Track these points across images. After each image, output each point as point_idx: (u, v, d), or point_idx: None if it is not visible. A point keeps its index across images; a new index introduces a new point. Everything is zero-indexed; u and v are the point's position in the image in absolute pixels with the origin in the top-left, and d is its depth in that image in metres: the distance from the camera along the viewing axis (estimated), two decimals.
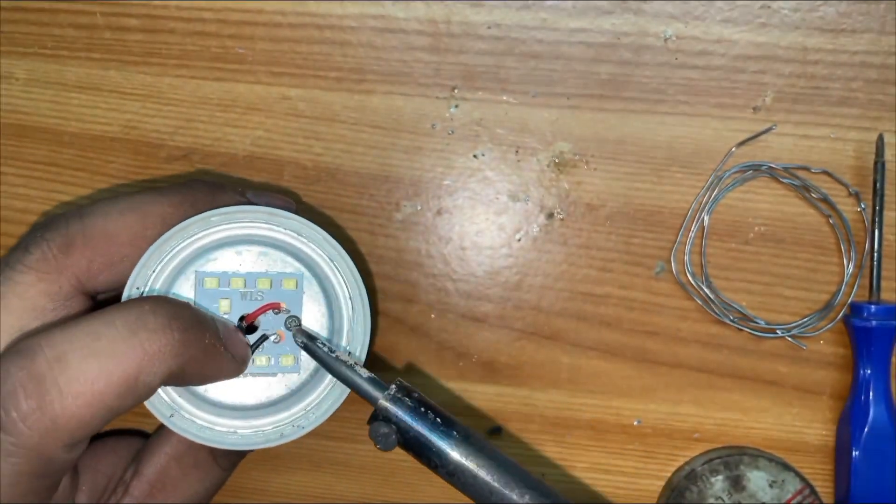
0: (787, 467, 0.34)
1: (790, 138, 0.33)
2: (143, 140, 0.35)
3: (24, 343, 0.24)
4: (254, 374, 0.28)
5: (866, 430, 0.33)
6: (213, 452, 0.30)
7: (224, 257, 0.28)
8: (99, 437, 0.32)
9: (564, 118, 0.34)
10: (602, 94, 0.34)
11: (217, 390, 0.28)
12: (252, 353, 0.28)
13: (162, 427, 0.29)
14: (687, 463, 0.35)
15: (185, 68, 0.35)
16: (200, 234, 0.28)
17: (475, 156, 0.35)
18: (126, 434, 0.33)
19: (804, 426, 0.35)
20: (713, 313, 0.34)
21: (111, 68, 0.35)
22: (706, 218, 0.34)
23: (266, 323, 0.29)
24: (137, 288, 0.27)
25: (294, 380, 0.29)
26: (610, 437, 0.35)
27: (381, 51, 0.34)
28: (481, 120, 0.34)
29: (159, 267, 0.27)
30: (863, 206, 0.33)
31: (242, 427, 0.28)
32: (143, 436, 0.33)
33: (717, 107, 0.33)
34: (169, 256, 0.27)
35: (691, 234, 0.34)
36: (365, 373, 0.27)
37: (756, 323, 0.34)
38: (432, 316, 0.35)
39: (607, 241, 0.35)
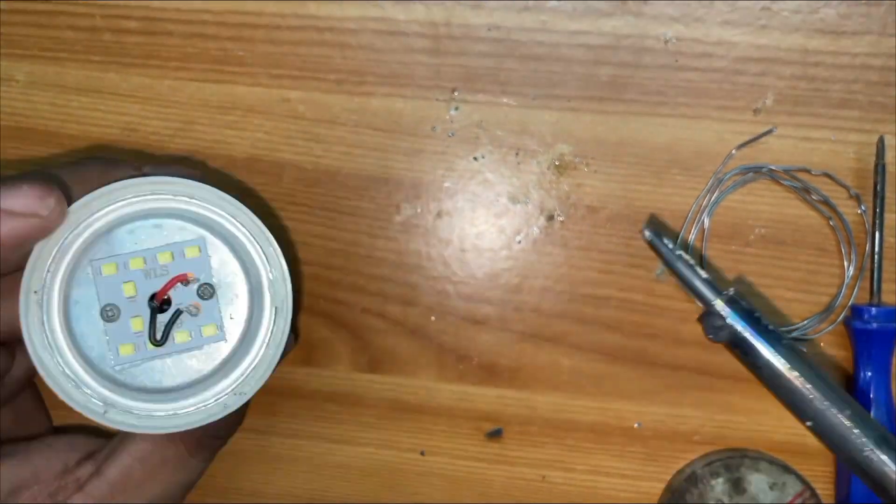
0: (787, 470, 0.34)
1: (791, 140, 0.33)
2: (143, 142, 0.35)
3: None
4: (179, 352, 0.27)
5: None
6: (186, 446, 0.29)
7: (117, 239, 0.27)
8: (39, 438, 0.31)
9: (565, 120, 0.34)
10: (602, 96, 0.34)
11: (147, 375, 0.27)
12: (169, 330, 0.27)
13: None
14: (687, 465, 0.35)
15: (184, 70, 0.35)
16: (87, 221, 0.26)
17: (475, 158, 0.35)
18: (70, 432, 0.32)
19: (805, 428, 0.35)
20: None
21: (111, 70, 0.35)
22: (707, 220, 0.34)
23: (179, 297, 0.27)
24: (35, 292, 0.26)
25: (223, 349, 0.28)
26: (610, 440, 0.35)
27: (381, 53, 0.34)
28: (481, 122, 0.34)
29: (53, 265, 0.26)
30: (863, 208, 0.33)
31: (183, 407, 0.27)
32: (83, 431, 0.32)
33: (717, 109, 0.33)
34: (59, 251, 0.26)
35: (692, 237, 0.34)
36: (703, 274, 0.30)
37: None
38: (432, 318, 0.35)
39: (608, 243, 0.34)
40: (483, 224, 0.35)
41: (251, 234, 0.28)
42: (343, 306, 0.36)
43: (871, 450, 0.29)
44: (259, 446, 0.37)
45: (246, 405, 0.29)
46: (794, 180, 0.33)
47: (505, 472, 0.36)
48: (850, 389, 0.34)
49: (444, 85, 0.34)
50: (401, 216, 0.35)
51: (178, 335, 0.27)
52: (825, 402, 0.29)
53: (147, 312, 0.27)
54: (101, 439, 0.30)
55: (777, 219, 0.34)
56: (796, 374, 0.29)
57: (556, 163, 0.34)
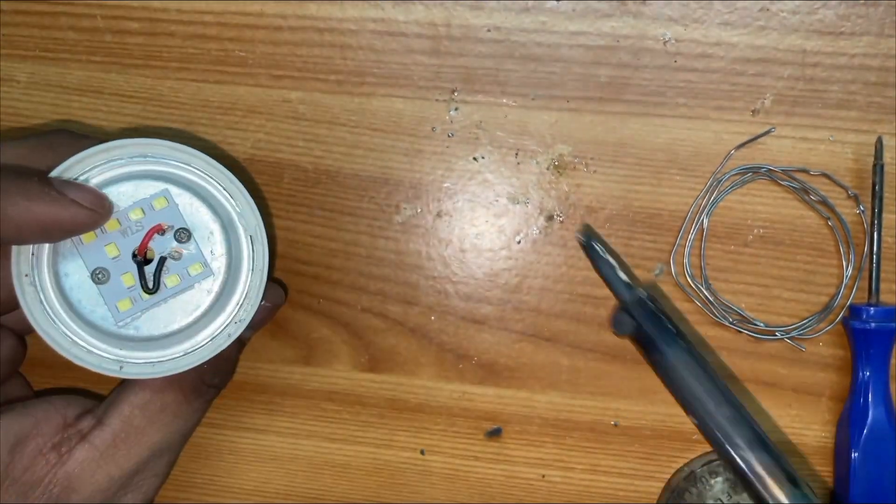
0: None
1: (789, 141, 0.33)
2: None
3: None
4: (173, 295, 0.29)
5: (865, 431, 0.33)
6: (184, 393, 0.30)
7: None
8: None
9: (564, 121, 0.34)
10: (601, 96, 0.34)
11: (150, 324, 0.29)
12: (158, 277, 0.29)
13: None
14: (686, 465, 0.35)
15: (185, 71, 0.35)
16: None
17: (475, 158, 0.35)
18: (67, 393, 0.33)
19: (803, 428, 0.35)
20: (712, 315, 0.34)
21: (112, 71, 0.35)
22: (705, 220, 0.34)
23: (160, 247, 0.29)
24: (26, 275, 0.28)
25: (213, 284, 0.29)
26: (609, 439, 0.36)
27: (381, 54, 0.34)
28: (481, 123, 0.34)
29: (36, 247, 0.28)
30: (862, 208, 0.33)
31: (191, 345, 0.29)
32: (88, 395, 0.33)
33: (716, 109, 0.34)
34: None
35: (690, 237, 0.34)
36: (623, 276, 0.33)
37: (755, 325, 0.34)
38: (432, 318, 0.35)
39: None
40: (483, 224, 0.35)
41: (209, 176, 0.29)
42: (343, 306, 0.36)
43: (745, 450, 0.31)
44: (259, 445, 0.37)
45: (238, 351, 0.32)
46: (793, 181, 0.34)
47: (504, 471, 0.36)
48: (849, 389, 0.34)
49: (444, 85, 0.34)
50: (401, 216, 0.35)
51: (169, 280, 0.29)
52: (708, 402, 0.31)
53: (134, 267, 0.29)
54: (96, 400, 0.32)
55: (776, 219, 0.34)
56: (686, 372, 0.32)
57: (556, 163, 0.34)
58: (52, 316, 0.28)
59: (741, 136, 0.34)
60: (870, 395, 0.33)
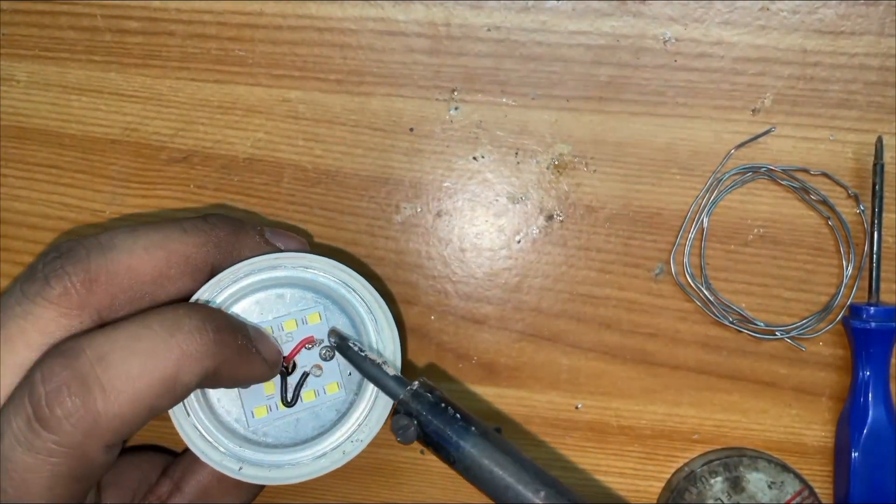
0: (786, 468, 0.34)
1: (789, 140, 0.33)
2: (144, 142, 0.35)
3: (67, 344, 0.24)
4: (305, 410, 0.30)
5: (865, 431, 0.33)
6: None
7: (245, 310, 0.29)
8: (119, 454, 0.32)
9: (564, 120, 0.34)
10: (601, 96, 0.34)
11: (276, 433, 0.29)
12: (298, 392, 0.29)
13: None
14: (686, 464, 0.35)
15: (185, 70, 0.35)
16: (217, 294, 0.29)
17: (475, 158, 0.35)
18: (144, 450, 0.34)
19: (803, 427, 0.35)
20: (712, 315, 0.34)
21: (112, 71, 0.35)
22: (705, 220, 0.34)
23: (303, 359, 0.29)
24: None
25: (342, 402, 0.30)
26: (609, 439, 0.35)
27: (380, 53, 0.34)
28: (481, 122, 0.34)
29: None
30: (862, 207, 0.33)
31: (305, 457, 0.30)
32: (160, 451, 0.34)
33: (716, 109, 0.34)
34: None
35: (690, 236, 0.34)
36: (391, 371, 0.29)
37: (755, 324, 0.34)
38: (432, 318, 0.35)
39: (607, 242, 0.35)
40: (482, 224, 0.35)
41: (363, 300, 0.30)
42: None
43: None
44: None
45: None
46: (793, 180, 0.34)
47: None
48: (849, 389, 0.34)
49: (444, 85, 0.34)
50: (400, 216, 0.35)
51: (305, 395, 0.30)
52: (526, 491, 0.27)
53: (276, 378, 0.29)
54: (170, 455, 0.33)
55: (776, 218, 0.34)
56: (487, 462, 0.27)
57: (556, 162, 0.34)
58: (188, 407, 0.29)
59: (741, 136, 0.34)
60: (870, 395, 0.33)
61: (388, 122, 0.35)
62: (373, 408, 0.30)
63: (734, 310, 0.34)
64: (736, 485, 0.34)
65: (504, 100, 0.34)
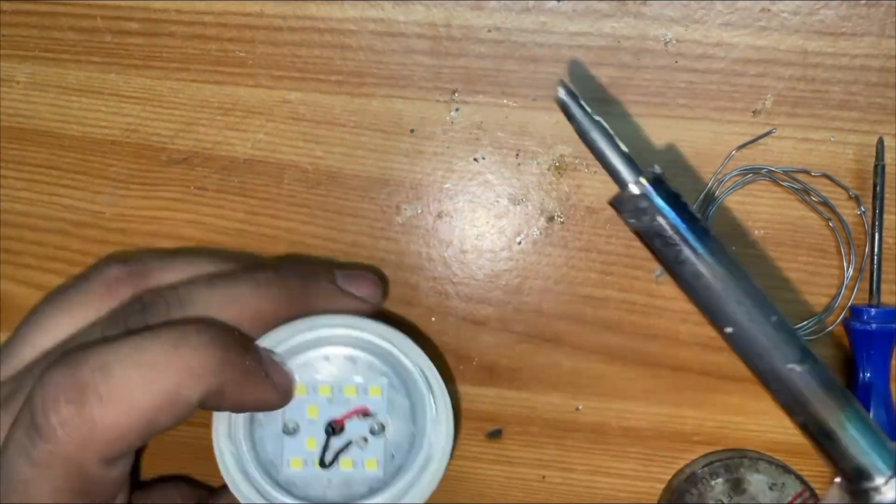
0: (787, 470, 0.34)
1: (790, 141, 0.33)
2: (144, 143, 0.35)
3: (72, 353, 0.24)
4: (338, 476, 0.29)
5: None
6: None
7: (313, 362, 0.29)
8: (146, 484, 0.32)
9: (565, 121, 0.34)
10: (602, 97, 0.34)
11: (304, 486, 0.29)
12: (337, 456, 0.29)
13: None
14: (687, 466, 0.35)
15: (185, 72, 0.35)
16: (287, 340, 0.29)
17: (475, 159, 0.35)
18: (171, 479, 0.34)
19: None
20: None
21: (112, 72, 0.35)
22: (706, 221, 0.34)
23: (353, 427, 0.29)
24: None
25: (377, 481, 0.30)
26: (610, 440, 0.35)
27: (381, 54, 0.34)
28: (482, 123, 0.34)
29: None
30: (863, 209, 0.33)
31: None
32: (185, 480, 0.34)
33: (716, 110, 0.33)
34: None
35: None
36: (623, 147, 0.24)
37: None
38: (433, 319, 0.35)
39: (608, 244, 0.35)
40: (483, 225, 0.35)
41: (429, 384, 0.30)
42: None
43: (795, 364, 0.24)
44: None
45: None
46: (794, 181, 0.34)
47: (504, 472, 0.36)
48: (850, 390, 0.34)
49: (445, 86, 0.34)
50: (401, 217, 0.35)
51: (343, 462, 0.30)
52: (751, 307, 0.24)
53: (322, 436, 0.29)
54: (200, 489, 0.33)
55: (776, 220, 0.34)
56: (722, 271, 0.24)
57: (557, 164, 0.34)
58: (232, 434, 0.29)
59: (742, 137, 0.34)
60: (871, 397, 0.33)
61: (389, 123, 0.35)
62: (408, 494, 0.29)
63: None
64: (737, 486, 0.34)
65: (505, 101, 0.34)
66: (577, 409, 0.35)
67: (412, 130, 0.35)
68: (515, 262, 0.35)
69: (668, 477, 0.36)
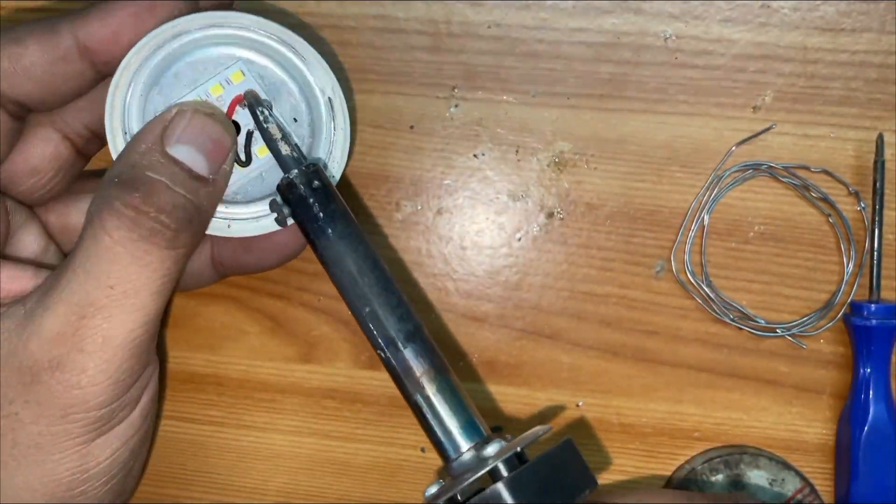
0: (787, 466, 0.34)
1: (790, 137, 0.33)
2: None
3: None
4: (266, 163, 0.29)
5: (866, 429, 0.33)
6: None
7: (167, 87, 0.28)
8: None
9: (564, 118, 0.34)
10: (602, 93, 0.34)
11: (252, 188, 0.29)
12: (249, 150, 0.29)
13: None
14: (687, 462, 0.35)
15: None
16: (136, 73, 0.28)
17: (475, 155, 0.35)
18: None
19: (804, 425, 0.35)
20: (713, 312, 0.34)
21: None
22: (706, 217, 0.34)
23: (244, 119, 0.29)
24: (124, 132, 0.28)
25: (302, 147, 0.29)
26: (610, 437, 0.35)
27: (381, 51, 0.34)
28: (481, 119, 0.34)
29: (127, 124, 0.28)
30: (862, 205, 0.33)
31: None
32: None
33: (716, 106, 0.34)
34: (125, 110, 0.28)
35: (691, 234, 0.34)
36: (285, 148, 0.27)
37: (756, 322, 0.34)
38: (432, 316, 0.35)
39: (607, 240, 0.35)
40: (483, 221, 0.35)
41: (282, 40, 0.28)
42: (343, 303, 0.36)
43: (381, 351, 0.27)
44: (259, 443, 0.37)
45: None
46: (794, 177, 0.34)
47: None
48: (850, 386, 0.34)
49: (445, 82, 0.34)
50: (401, 213, 0.35)
51: (259, 151, 0.29)
52: (365, 294, 0.27)
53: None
54: None
55: (776, 216, 0.34)
56: (348, 261, 0.27)
57: (556, 160, 0.34)
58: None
59: (742, 133, 0.34)
60: (871, 393, 0.33)
61: (389, 119, 0.35)
62: (333, 144, 0.29)
63: (735, 307, 0.34)
64: (737, 482, 0.34)
65: (504, 97, 0.34)
66: (578, 405, 0.35)
67: (412, 126, 0.35)
68: (515, 258, 0.35)
69: (668, 473, 0.36)
